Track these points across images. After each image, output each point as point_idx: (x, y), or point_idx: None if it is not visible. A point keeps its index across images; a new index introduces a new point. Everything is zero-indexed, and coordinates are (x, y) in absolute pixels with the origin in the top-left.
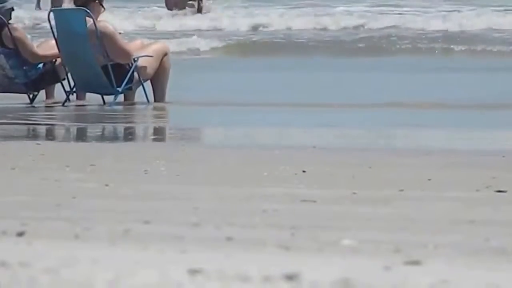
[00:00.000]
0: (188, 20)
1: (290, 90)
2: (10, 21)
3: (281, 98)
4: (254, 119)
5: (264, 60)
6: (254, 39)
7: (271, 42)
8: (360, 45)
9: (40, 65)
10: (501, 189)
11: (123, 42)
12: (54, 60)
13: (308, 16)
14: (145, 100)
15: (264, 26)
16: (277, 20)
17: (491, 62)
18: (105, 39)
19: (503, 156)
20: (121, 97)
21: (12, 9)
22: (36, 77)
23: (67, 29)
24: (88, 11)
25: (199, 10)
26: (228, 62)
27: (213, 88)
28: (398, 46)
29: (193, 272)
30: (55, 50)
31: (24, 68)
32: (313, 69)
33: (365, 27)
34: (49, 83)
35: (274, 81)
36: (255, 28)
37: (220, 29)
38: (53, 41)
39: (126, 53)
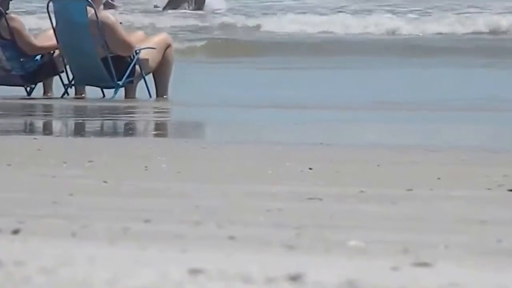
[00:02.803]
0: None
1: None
2: (7, 12)
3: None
4: (257, 116)
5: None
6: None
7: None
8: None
9: (38, 57)
10: None
11: (125, 33)
12: (52, 51)
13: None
14: (147, 94)
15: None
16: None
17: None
18: (106, 30)
19: None
20: (121, 91)
21: None
22: (34, 69)
23: (67, 19)
24: (89, 0)
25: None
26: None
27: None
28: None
29: (194, 272)
30: (53, 41)
31: (21, 60)
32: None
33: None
34: (47, 75)
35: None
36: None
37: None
38: (52, 32)
39: (128, 45)
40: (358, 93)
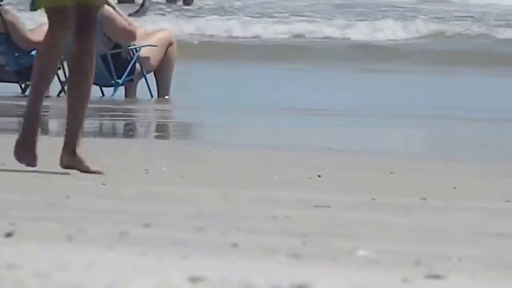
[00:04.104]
0: None
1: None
2: (1, 3)
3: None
4: (264, 120)
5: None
6: None
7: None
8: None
9: (33, 52)
10: None
11: (124, 22)
12: None
13: None
14: (148, 93)
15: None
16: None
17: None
18: (105, 22)
19: None
20: (121, 90)
21: None
22: (29, 65)
23: None
24: None
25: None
26: None
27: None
28: None
29: (194, 279)
30: None
31: (16, 55)
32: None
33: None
34: None
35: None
36: None
37: None
38: None
39: (129, 32)
40: (370, 98)
